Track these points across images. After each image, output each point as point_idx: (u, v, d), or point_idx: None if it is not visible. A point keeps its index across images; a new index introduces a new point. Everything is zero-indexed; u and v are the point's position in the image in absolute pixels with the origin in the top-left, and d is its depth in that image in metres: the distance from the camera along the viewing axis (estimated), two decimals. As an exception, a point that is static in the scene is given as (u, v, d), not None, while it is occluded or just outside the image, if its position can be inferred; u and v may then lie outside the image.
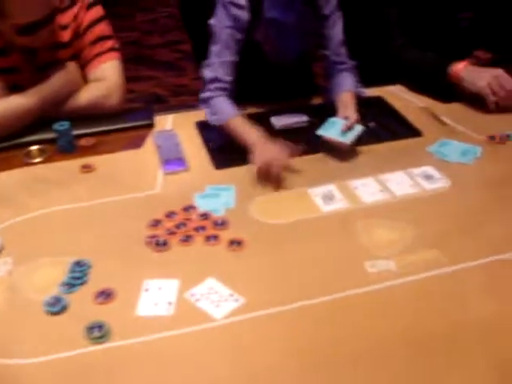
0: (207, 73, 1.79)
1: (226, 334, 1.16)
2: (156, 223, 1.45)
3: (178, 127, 1.88)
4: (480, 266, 1.31)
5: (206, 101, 1.79)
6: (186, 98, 3.91)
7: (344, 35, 1.90)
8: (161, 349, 1.13)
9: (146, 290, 1.26)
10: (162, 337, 1.15)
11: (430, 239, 1.39)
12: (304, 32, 1.91)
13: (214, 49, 1.78)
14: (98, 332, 1.14)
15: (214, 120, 1.76)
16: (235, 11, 1.74)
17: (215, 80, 1.77)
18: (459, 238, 1.40)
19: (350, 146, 1.71)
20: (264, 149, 1.61)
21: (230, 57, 1.77)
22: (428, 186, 1.59)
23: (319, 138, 1.73)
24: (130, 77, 4.19)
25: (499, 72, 1.93)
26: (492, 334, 1.15)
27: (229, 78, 1.78)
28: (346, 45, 1.92)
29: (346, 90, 1.85)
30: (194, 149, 1.77)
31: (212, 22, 1.78)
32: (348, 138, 1.69)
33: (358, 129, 1.72)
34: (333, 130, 1.71)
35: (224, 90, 1.77)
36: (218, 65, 1.77)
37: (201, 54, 1.86)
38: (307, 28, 1.89)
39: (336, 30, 1.88)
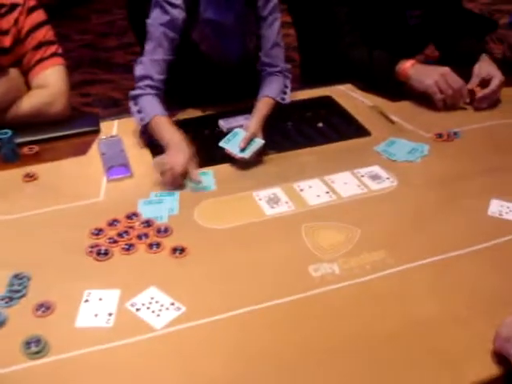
0: (138, 70, 1.76)
1: (166, 344, 1.13)
2: (98, 232, 1.42)
3: (123, 132, 1.84)
4: (425, 266, 1.31)
5: (134, 98, 1.76)
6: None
7: (280, 37, 1.89)
8: (100, 361, 1.10)
9: (86, 301, 1.23)
10: (100, 349, 1.12)
11: (376, 240, 1.39)
12: (244, 33, 1.90)
13: (148, 47, 1.76)
14: (35, 347, 1.11)
15: (138, 118, 1.73)
16: (169, 10, 1.73)
17: (146, 78, 1.74)
18: (406, 238, 1.40)
19: (250, 159, 1.67)
20: (171, 153, 1.60)
21: (162, 55, 1.75)
22: (375, 186, 1.58)
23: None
24: (86, 80, 4.22)
25: (446, 70, 1.93)
26: (437, 333, 1.15)
27: (160, 77, 1.76)
28: (282, 47, 1.90)
29: (264, 95, 1.83)
30: (140, 154, 1.74)
31: (148, 20, 1.77)
32: (246, 153, 1.65)
33: (257, 143, 1.68)
34: (233, 143, 1.68)
35: (155, 88, 1.75)
36: (150, 63, 1.75)
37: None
38: (246, 29, 1.88)
39: (271, 31, 1.86)
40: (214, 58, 1.93)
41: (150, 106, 1.73)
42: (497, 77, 1.96)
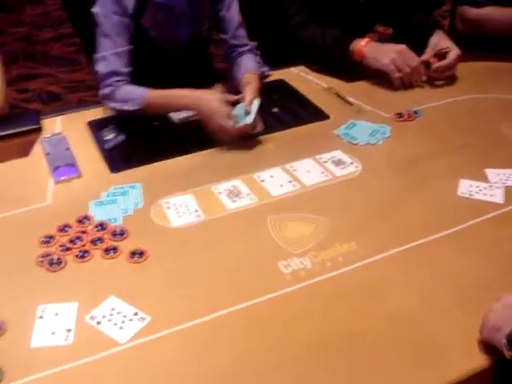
0: (102, 67, 1.64)
1: (132, 359, 1.04)
2: (48, 239, 1.31)
3: (68, 129, 1.73)
4: (400, 254, 1.25)
5: (108, 96, 1.64)
6: (84, 94, 3.71)
7: (241, 17, 1.83)
8: (61, 384, 1.01)
9: (41, 317, 1.13)
10: (61, 370, 1.03)
11: (346, 230, 1.33)
12: (196, 16, 1.81)
13: (105, 40, 1.63)
14: (-14, 374, 1.01)
15: (129, 107, 1.62)
16: None
17: (113, 74, 1.63)
18: (376, 225, 1.34)
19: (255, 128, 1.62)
20: (208, 103, 1.58)
21: (124, 46, 1.64)
22: (339, 172, 1.52)
23: None
24: (22, 75, 4.03)
25: (402, 48, 1.89)
26: (417, 326, 1.09)
27: (127, 70, 1.65)
28: (244, 26, 1.84)
29: (246, 71, 1.76)
30: (87, 152, 1.63)
31: (95, 10, 1.64)
32: (249, 118, 1.59)
33: (255, 104, 1.61)
34: (238, 117, 1.60)
35: (125, 81, 1.64)
36: (114, 57, 1.63)
37: (92, 47, 1.71)
38: (199, 12, 1.79)
39: (232, 12, 1.80)
40: (164, 43, 1.84)
41: (134, 90, 1.64)
42: (454, 50, 1.93)
